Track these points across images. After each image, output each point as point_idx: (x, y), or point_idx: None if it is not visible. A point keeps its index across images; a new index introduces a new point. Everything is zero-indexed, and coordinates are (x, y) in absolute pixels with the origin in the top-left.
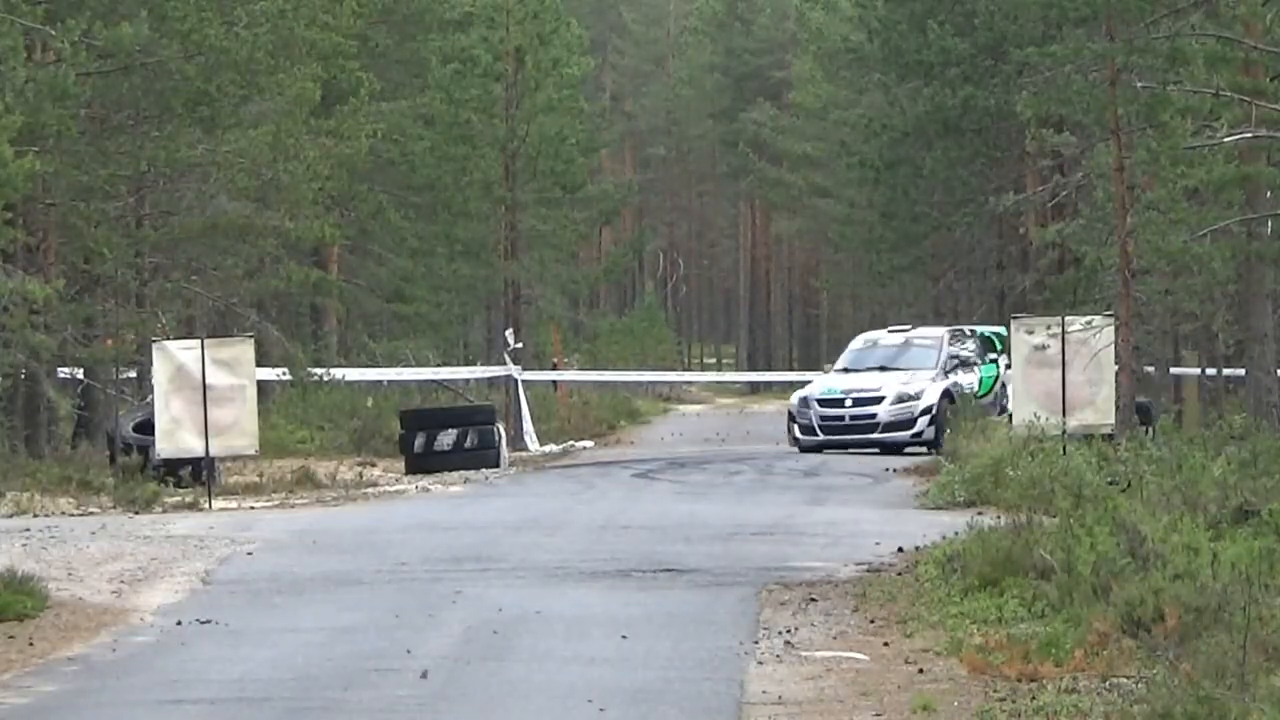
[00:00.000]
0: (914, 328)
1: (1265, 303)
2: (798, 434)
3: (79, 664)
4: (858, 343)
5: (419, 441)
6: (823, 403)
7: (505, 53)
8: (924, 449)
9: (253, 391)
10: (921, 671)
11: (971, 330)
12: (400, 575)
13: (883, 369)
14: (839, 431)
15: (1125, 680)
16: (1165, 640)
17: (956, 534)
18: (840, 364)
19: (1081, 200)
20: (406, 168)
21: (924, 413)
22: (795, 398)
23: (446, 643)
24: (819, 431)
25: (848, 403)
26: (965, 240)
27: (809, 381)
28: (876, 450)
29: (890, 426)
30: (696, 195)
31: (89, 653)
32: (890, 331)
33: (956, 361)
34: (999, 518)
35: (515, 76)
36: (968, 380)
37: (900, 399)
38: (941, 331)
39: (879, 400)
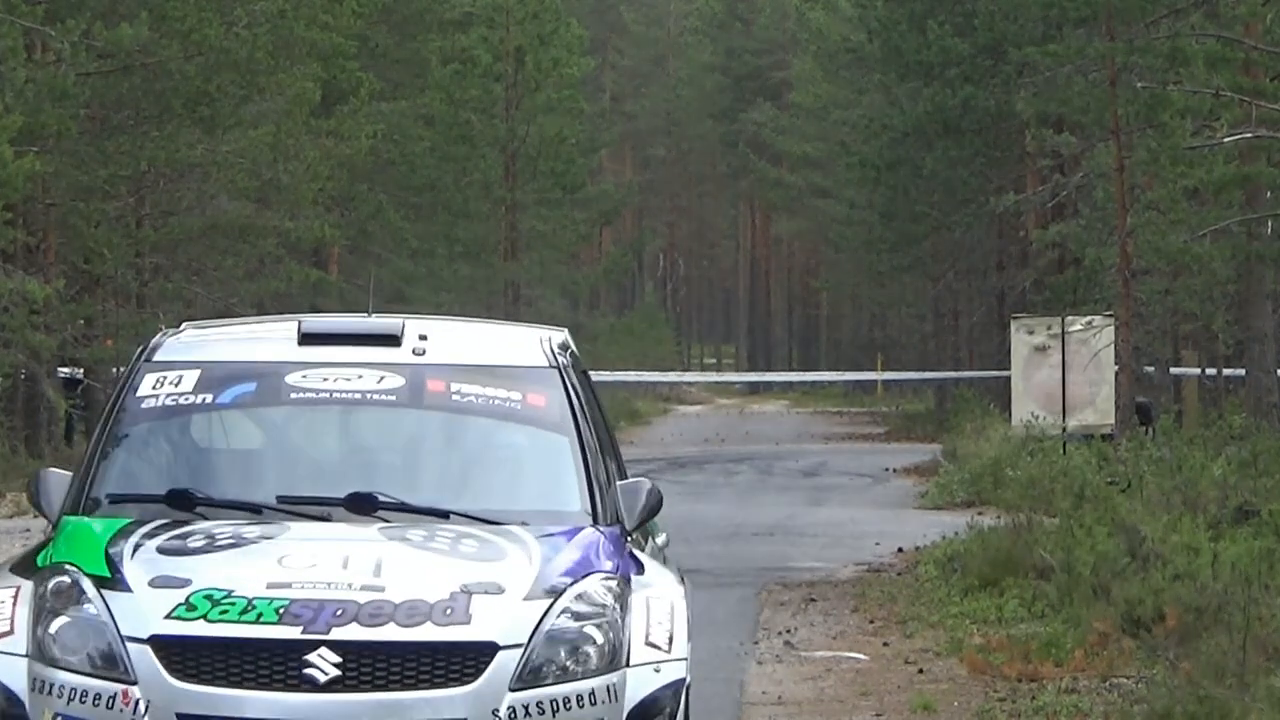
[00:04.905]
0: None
1: (1265, 303)
2: None
3: None
4: (168, 375)
5: None
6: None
7: (505, 53)
8: None
9: None
10: (921, 671)
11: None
12: None
13: (358, 506)
14: None
15: (1125, 680)
16: (1165, 640)
17: (956, 534)
18: (114, 486)
19: (1081, 200)
20: (406, 168)
21: None
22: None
23: None
24: None
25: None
26: (965, 240)
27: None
28: None
29: None
30: (696, 195)
31: None
32: (317, 339)
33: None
34: (999, 518)
35: (515, 76)
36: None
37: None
38: (535, 340)
39: (461, 675)
